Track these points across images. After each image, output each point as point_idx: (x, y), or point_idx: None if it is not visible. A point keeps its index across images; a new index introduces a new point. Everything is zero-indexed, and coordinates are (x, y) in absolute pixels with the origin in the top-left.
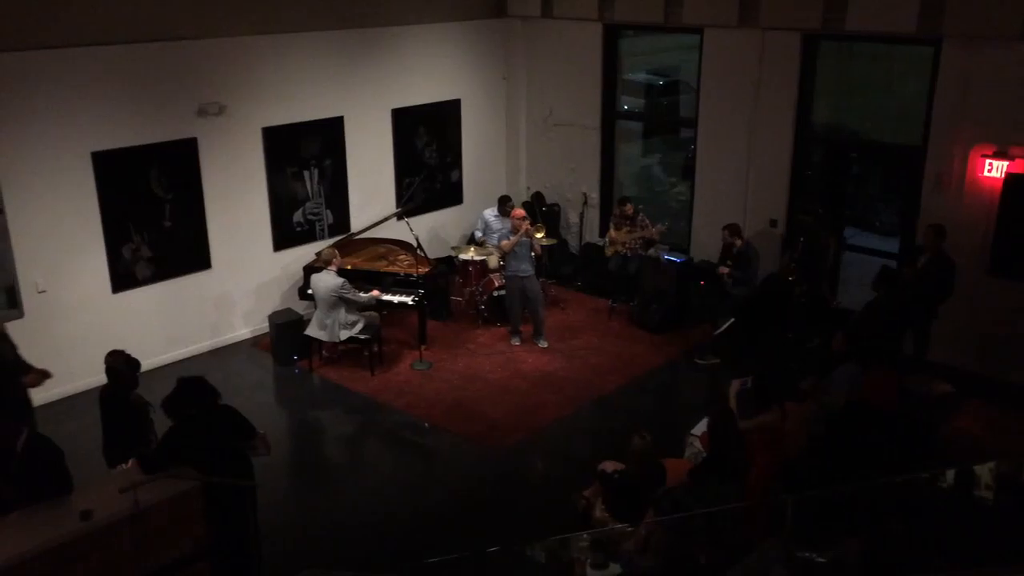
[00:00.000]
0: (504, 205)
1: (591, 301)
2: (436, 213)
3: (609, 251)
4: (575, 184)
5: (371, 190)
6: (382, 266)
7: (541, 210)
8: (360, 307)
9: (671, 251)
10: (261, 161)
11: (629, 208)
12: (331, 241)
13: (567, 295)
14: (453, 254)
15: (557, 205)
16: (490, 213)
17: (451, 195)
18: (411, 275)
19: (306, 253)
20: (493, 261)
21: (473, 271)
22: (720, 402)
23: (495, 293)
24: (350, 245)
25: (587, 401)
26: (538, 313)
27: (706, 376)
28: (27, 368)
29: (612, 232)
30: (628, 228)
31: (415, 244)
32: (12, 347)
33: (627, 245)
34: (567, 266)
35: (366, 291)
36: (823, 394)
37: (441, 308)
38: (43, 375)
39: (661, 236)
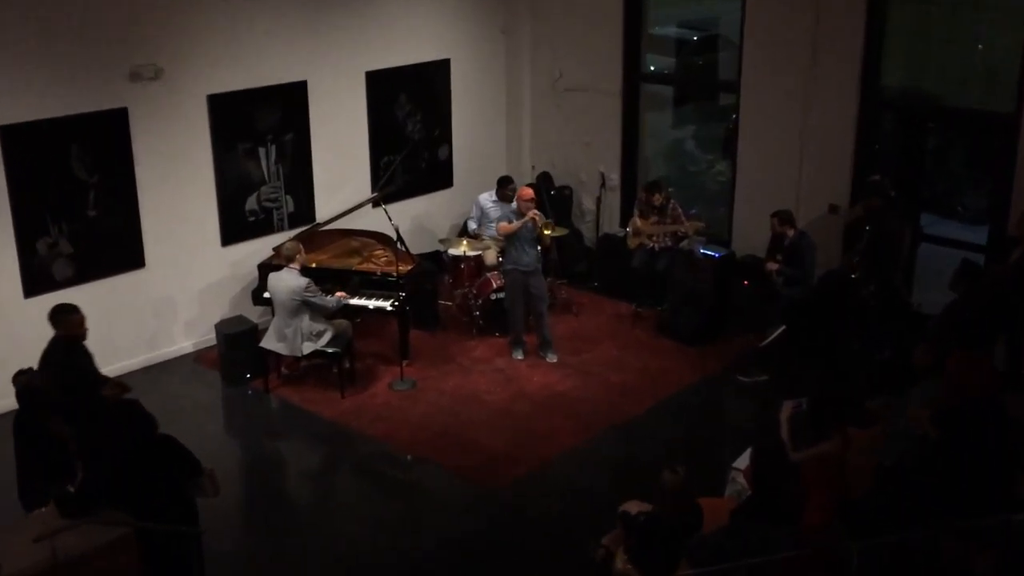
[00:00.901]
0: (504, 188)
1: (610, 305)
2: (421, 199)
3: (632, 244)
4: (590, 163)
5: (341, 171)
6: (355, 263)
7: (549, 194)
8: (328, 314)
9: (708, 244)
10: (207, 136)
11: (657, 197)
12: (292, 233)
13: (581, 298)
14: (441, 248)
15: (568, 188)
16: (487, 198)
17: (439, 177)
18: (390, 274)
19: (262, 248)
20: (490, 256)
21: (466, 269)
22: (769, 428)
23: (493, 296)
24: (316, 238)
25: (606, 427)
26: (544, 318)
27: (752, 396)
28: (104, 380)
29: (636, 221)
30: (656, 218)
31: (395, 237)
32: (90, 359)
33: (655, 237)
34: (581, 262)
35: (335, 294)
36: (897, 417)
37: (427, 314)
38: (122, 388)
39: (696, 230)
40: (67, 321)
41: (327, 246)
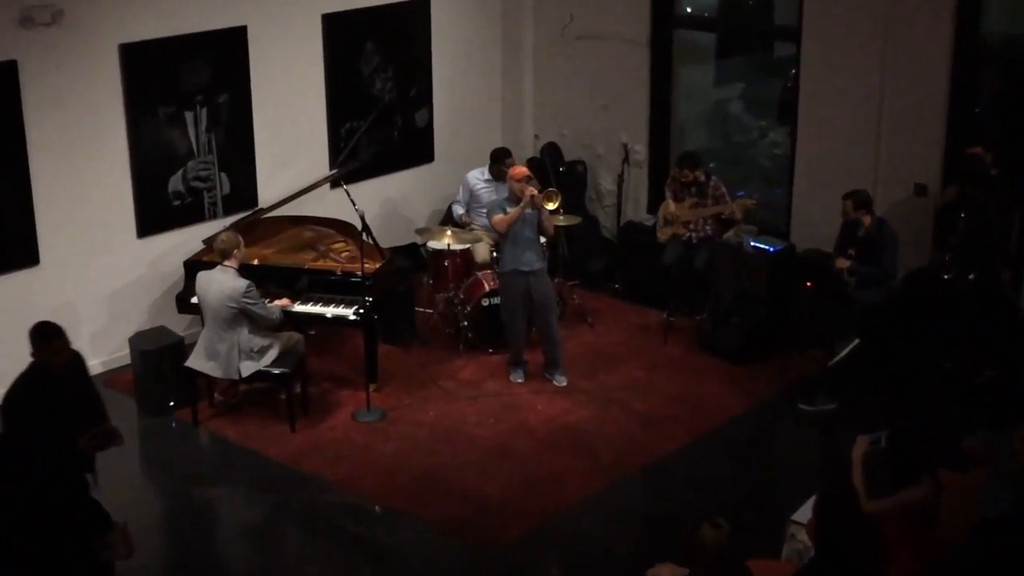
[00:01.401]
0: (500, 163)
1: (635, 313)
2: (393, 177)
3: (664, 235)
4: (610, 131)
5: (291, 142)
6: (308, 260)
7: (558, 171)
8: (273, 325)
9: (760, 234)
10: (118, 97)
11: (691, 174)
12: (228, 222)
13: (598, 303)
14: (419, 241)
15: (582, 164)
16: (477, 176)
17: (416, 149)
18: (353, 274)
19: (189, 240)
20: (482, 251)
21: (450, 267)
22: (838, 471)
23: (485, 302)
24: (259, 228)
25: (630, 470)
26: (550, 330)
27: (816, 430)
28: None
29: (669, 205)
30: (694, 200)
31: (359, 226)
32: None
33: (692, 225)
34: (598, 258)
35: (276, 301)
36: (1002, 457)
37: (400, 325)
38: (107, 439)
39: (747, 214)
40: (52, 347)
41: (273, 238)
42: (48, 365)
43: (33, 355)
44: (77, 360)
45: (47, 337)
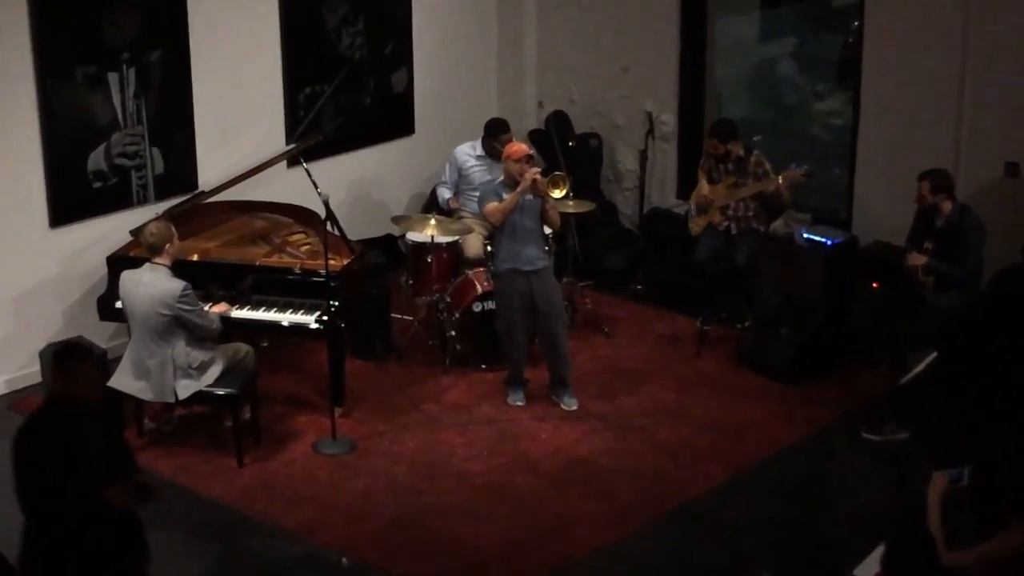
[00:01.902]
0: (495, 136)
1: (661, 320)
2: (365, 154)
3: (697, 226)
4: (631, 98)
5: (238, 110)
6: (260, 255)
7: (566, 147)
8: (215, 336)
9: (816, 224)
10: (26, 55)
11: (720, 146)
12: (162, 208)
13: (615, 310)
14: (397, 232)
15: (596, 138)
16: (467, 152)
17: (393, 119)
18: (315, 272)
19: (112, 231)
20: (473, 244)
21: (435, 264)
22: (911, 514)
23: (477, 306)
24: (199, 216)
25: (655, 515)
26: (557, 342)
27: (884, 464)
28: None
29: (703, 187)
30: (731, 180)
31: (323, 214)
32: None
33: (731, 211)
34: (616, 254)
35: (214, 308)
36: None
37: (373, 335)
38: (141, 493)
39: (794, 187)
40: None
41: (216, 228)
42: (69, 399)
43: (52, 384)
44: (107, 394)
45: (67, 360)
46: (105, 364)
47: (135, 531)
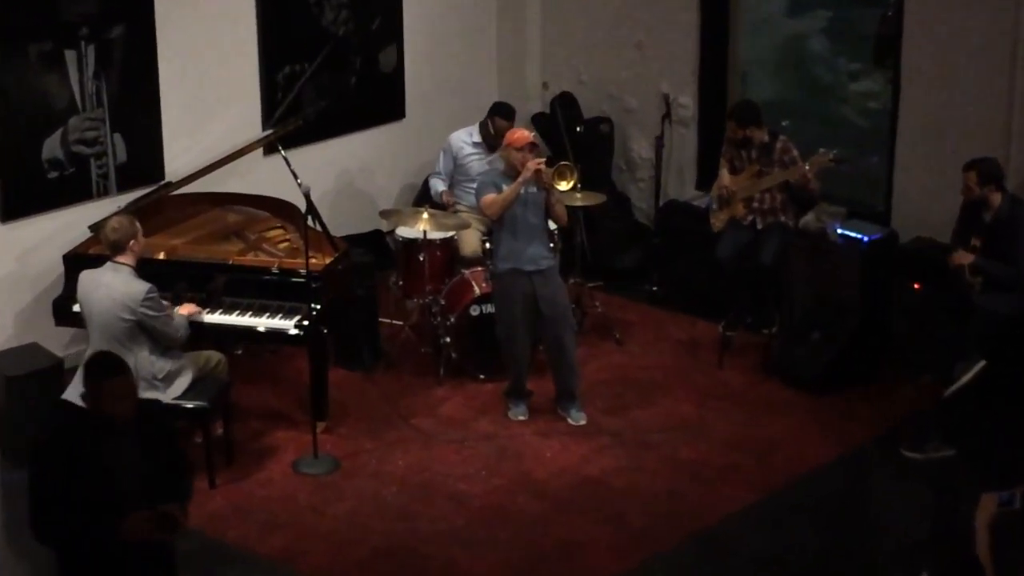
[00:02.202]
0: (496, 120)
1: (679, 325)
2: (350, 141)
3: (719, 220)
4: (646, 77)
5: (210, 92)
6: (234, 253)
7: (574, 132)
8: (181, 343)
9: (851, 218)
10: None
11: (739, 130)
12: (124, 202)
13: (628, 314)
14: (385, 227)
15: (607, 122)
16: (464, 140)
17: (381, 102)
18: (295, 272)
19: (69, 227)
20: (470, 241)
21: (428, 263)
22: (957, 540)
23: (474, 310)
24: (166, 210)
25: (672, 541)
26: (564, 350)
27: (927, 484)
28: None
29: (724, 178)
30: (756, 168)
31: (304, 207)
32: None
33: (756, 203)
34: (629, 251)
35: (181, 310)
36: None
37: (360, 342)
38: (163, 523)
39: (822, 174)
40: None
41: (185, 224)
42: (100, 415)
43: (84, 400)
44: (149, 413)
45: (93, 375)
46: (60, 374)
47: (162, 567)
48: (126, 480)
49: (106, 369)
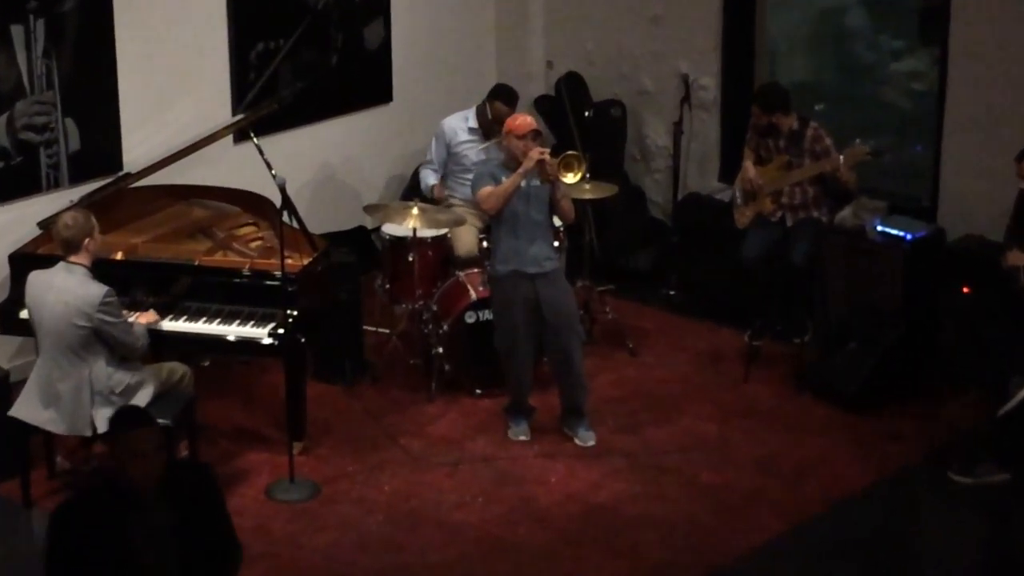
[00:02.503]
0: (497, 103)
1: (700, 334)
2: (331, 127)
3: (744, 215)
4: (663, 55)
5: (173, 73)
6: (199, 253)
7: (582, 117)
8: (140, 354)
9: (893, 214)
10: None
11: (764, 116)
12: (77, 195)
13: (643, 320)
14: (370, 224)
15: (619, 106)
16: (458, 126)
17: (366, 84)
18: (268, 273)
19: (16, 223)
20: (466, 239)
21: (418, 264)
22: (1011, 574)
23: (470, 317)
24: (124, 205)
25: (693, 575)
26: (571, 361)
27: (979, 513)
28: None
29: (749, 170)
30: (784, 160)
31: (278, 202)
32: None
33: (784, 198)
34: (644, 250)
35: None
36: None
37: (341, 353)
38: None
39: (854, 164)
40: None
41: (146, 220)
42: (123, 479)
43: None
44: (183, 476)
45: (116, 426)
46: (7, 389)
47: None
48: (153, 560)
49: (125, 420)
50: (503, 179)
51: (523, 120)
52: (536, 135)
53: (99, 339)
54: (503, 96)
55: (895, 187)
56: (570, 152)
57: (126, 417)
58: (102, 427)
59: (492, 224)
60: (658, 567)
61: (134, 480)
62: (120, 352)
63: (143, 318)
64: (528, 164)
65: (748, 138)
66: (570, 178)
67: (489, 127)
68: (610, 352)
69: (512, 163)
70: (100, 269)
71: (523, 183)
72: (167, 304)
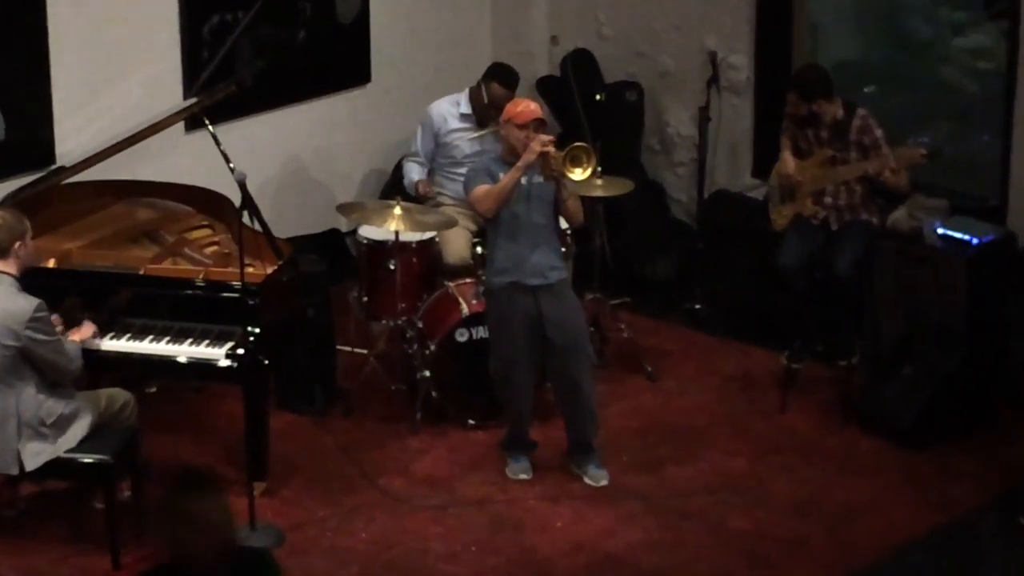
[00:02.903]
0: (494, 85)
1: (730, 354)
2: (298, 113)
3: (782, 216)
4: (687, 31)
5: (115, 52)
6: (144, 260)
7: (592, 101)
8: (74, 376)
9: (955, 215)
10: None
11: (803, 104)
12: (3, 191)
13: (664, 340)
14: (345, 226)
15: (635, 89)
16: (448, 111)
17: (339, 63)
18: (227, 285)
19: None
20: (456, 244)
21: (400, 272)
22: None
23: (461, 335)
24: (59, 204)
25: None
26: (578, 389)
27: None
28: None
29: (788, 163)
30: (827, 154)
31: (238, 201)
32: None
33: (828, 198)
34: (665, 257)
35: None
36: None
37: (310, 377)
38: None
39: (906, 166)
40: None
41: (82, 221)
42: (185, 561)
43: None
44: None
45: (174, 499)
46: None
47: None
48: None
49: (191, 485)
50: (500, 175)
51: (525, 106)
52: (540, 124)
53: (27, 361)
54: (500, 77)
55: (957, 183)
56: (578, 144)
57: (185, 479)
58: (31, 464)
59: (487, 227)
60: None
61: (203, 559)
62: (50, 376)
63: (76, 335)
64: (529, 157)
65: (784, 127)
66: (578, 174)
67: (484, 113)
68: (625, 377)
69: (511, 156)
70: (28, 279)
71: (523, 180)
72: (107, 320)
